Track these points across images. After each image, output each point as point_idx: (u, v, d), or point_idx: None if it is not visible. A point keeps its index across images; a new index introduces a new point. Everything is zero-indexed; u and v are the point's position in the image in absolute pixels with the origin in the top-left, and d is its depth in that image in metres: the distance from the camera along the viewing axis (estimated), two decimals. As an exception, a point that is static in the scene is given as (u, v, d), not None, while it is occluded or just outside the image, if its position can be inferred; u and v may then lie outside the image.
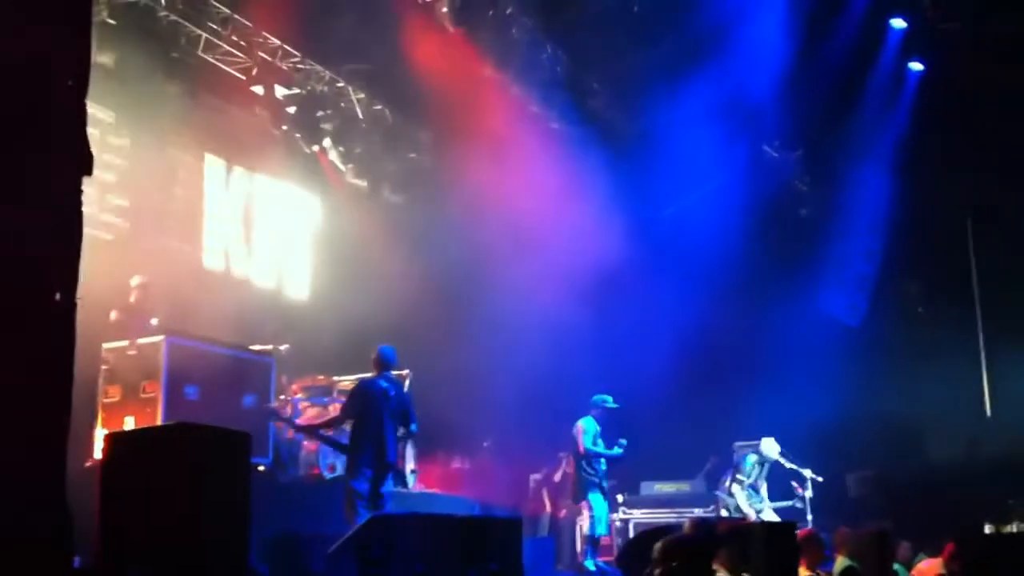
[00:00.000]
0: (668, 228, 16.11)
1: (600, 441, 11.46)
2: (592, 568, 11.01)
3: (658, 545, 5.67)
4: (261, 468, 9.73)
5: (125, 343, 9.49)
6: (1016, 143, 16.05)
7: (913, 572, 10.42)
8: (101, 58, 11.18)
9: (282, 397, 10.99)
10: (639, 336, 14.53)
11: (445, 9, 13.00)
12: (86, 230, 4.54)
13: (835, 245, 18.32)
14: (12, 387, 4.11)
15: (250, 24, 12.84)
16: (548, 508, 14.55)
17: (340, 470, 11.06)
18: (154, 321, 10.19)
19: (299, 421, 11.59)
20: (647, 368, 14.47)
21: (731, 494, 12.93)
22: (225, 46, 12.76)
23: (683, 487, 14.21)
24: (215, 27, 12.57)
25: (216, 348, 9.90)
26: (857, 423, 16.28)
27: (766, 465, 13.12)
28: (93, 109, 4.73)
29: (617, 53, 14.40)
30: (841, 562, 9.12)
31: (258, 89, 13.22)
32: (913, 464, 17.52)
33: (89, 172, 4.57)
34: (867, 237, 18.31)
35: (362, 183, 14.89)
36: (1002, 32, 15.08)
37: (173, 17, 12.04)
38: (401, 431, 9.76)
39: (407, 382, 12.94)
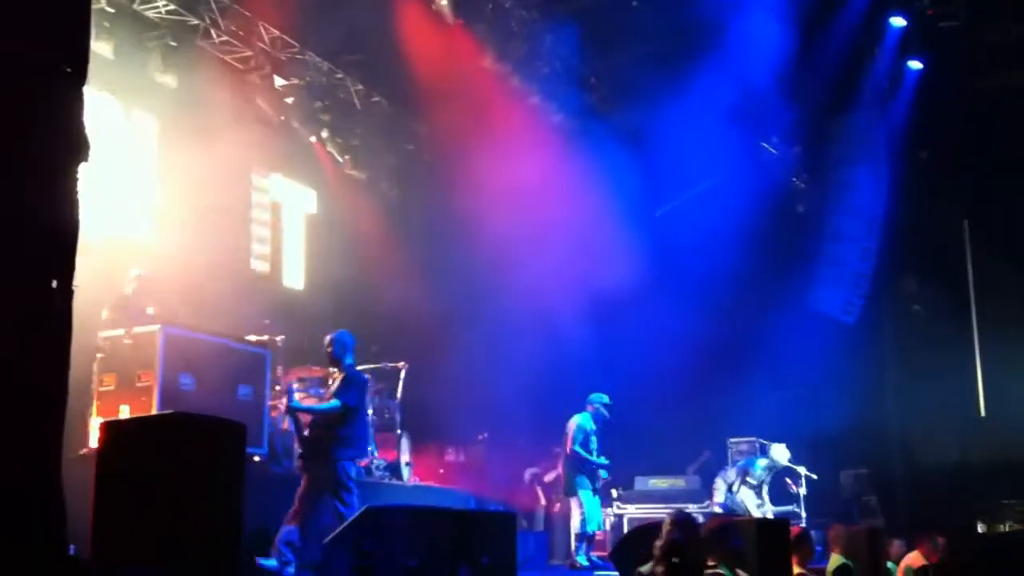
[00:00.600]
0: (665, 223, 16.11)
1: (594, 439, 11.45)
2: (585, 563, 11.01)
3: (659, 543, 5.71)
4: (256, 459, 9.73)
5: (121, 332, 9.47)
6: (1014, 143, 16.07)
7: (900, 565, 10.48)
8: (98, 47, 11.16)
9: (277, 388, 10.97)
10: (635, 331, 14.53)
11: (444, 1, 12.99)
12: (83, 220, 4.53)
13: (832, 243, 18.32)
14: (8, 375, 4.10)
15: (248, 14, 12.83)
16: (542, 503, 14.56)
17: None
18: (150, 311, 10.17)
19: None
20: (642, 364, 14.49)
21: (738, 494, 12.93)
22: (224, 36, 12.73)
23: (677, 483, 14.22)
24: (213, 16, 12.54)
25: (212, 338, 9.88)
26: (852, 421, 16.29)
27: (773, 471, 13.14)
28: (94, 97, 4.71)
29: (616, 47, 14.39)
30: (835, 560, 9.15)
31: (256, 79, 13.19)
32: (907, 463, 17.55)
33: (86, 159, 4.56)
34: (864, 235, 18.30)
35: (360, 174, 14.89)
36: (1001, 31, 15.09)
37: (172, 6, 12.02)
38: None
39: (402, 374, 12.97)
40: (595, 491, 11.40)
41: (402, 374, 13.04)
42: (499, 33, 14.01)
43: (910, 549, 11.01)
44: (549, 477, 14.38)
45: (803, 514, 12.92)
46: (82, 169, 4.56)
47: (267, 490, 9.24)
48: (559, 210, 14.39)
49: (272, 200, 14.30)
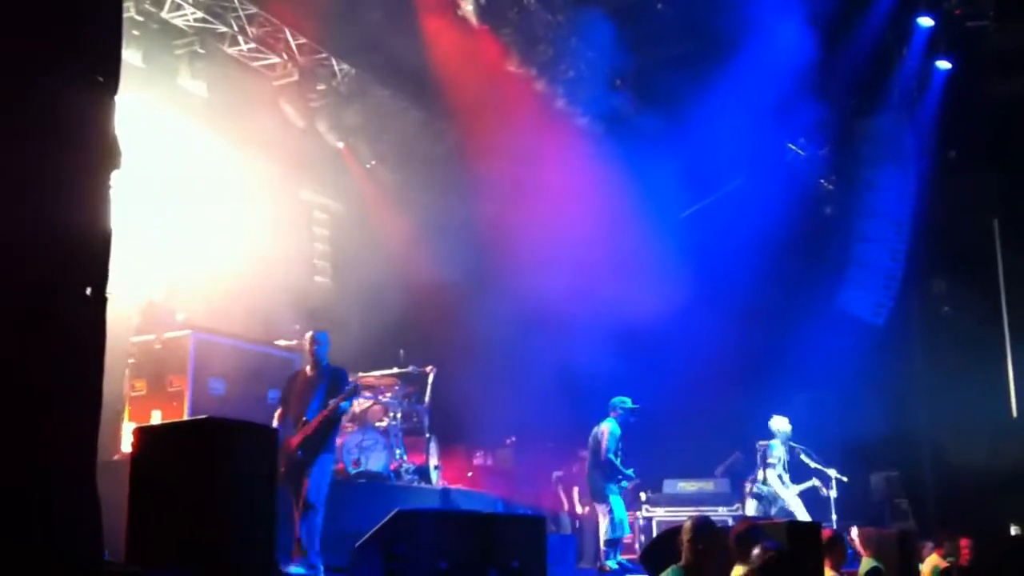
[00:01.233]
0: (693, 225, 16.07)
1: (621, 445, 11.46)
2: (614, 567, 11.00)
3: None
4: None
5: (151, 337, 9.56)
6: (1044, 142, 15.93)
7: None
8: (128, 54, 11.25)
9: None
10: (663, 335, 14.49)
11: (469, 6, 13.01)
12: (117, 227, 4.57)
13: (860, 244, 18.21)
14: (43, 381, 4.14)
15: (275, 21, 12.90)
16: (566, 506, 14.57)
17: (365, 465, 11.12)
18: (180, 317, 10.25)
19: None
20: (670, 367, 14.45)
21: (766, 482, 12.94)
22: (251, 43, 12.81)
23: (706, 486, 14.18)
24: (241, 24, 12.62)
25: (241, 343, 9.96)
26: (881, 423, 16.18)
27: (788, 443, 13.13)
28: (124, 104, 4.75)
29: (641, 49, 14.36)
30: (866, 563, 9.10)
31: (284, 85, 13.27)
32: (937, 465, 17.41)
33: (118, 166, 4.60)
34: (892, 236, 18.18)
35: (387, 179, 14.92)
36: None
37: (200, 14, 12.11)
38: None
39: (430, 378, 13.00)
40: (622, 495, 11.41)
41: (430, 378, 13.07)
42: (524, 37, 14.01)
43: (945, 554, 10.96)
44: (574, 470, 14.47)
45: (833, 516, 12.85)
46: (114, 176, 4.61)
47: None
48: (586, 213, 14.38)
49: (300, 205, 14.36)
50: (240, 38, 12.69)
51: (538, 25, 14.11)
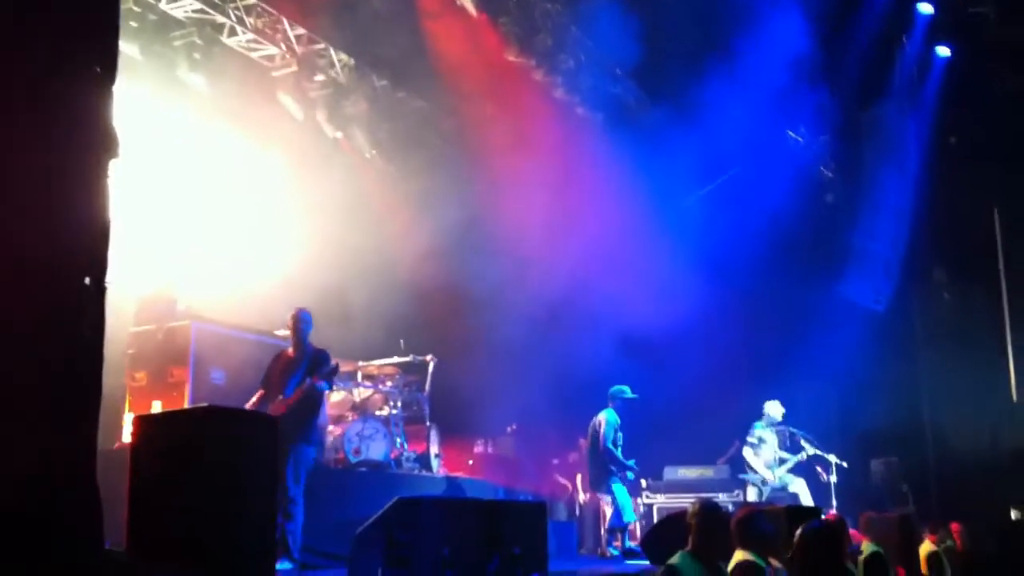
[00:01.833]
0: (692, 213, 16.06)
1: (620, 435, 11.46)
2: (615, 553, 11.04)
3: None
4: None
5: (152, 327, 9.57)
6: (1045, 129, 15.92)
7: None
8: (126, 46, 11.25)
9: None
10: (662, 321, 14.49)
11: (468, -5, 13.00)
12: (117, 217, 4.59)
13: (861, 231, 18.22)
14: (44, 370, 4.16)
15: (274, 12, 12.89)
16: (567, 494, 14.61)
17: (366, 454, 11.15)
18: (180, 307, 10.27)
19: (327, 407, 11.71)
20: (670, 354, 14.47)
21: (744, 456, 13.07)
22: (249, 33, 12.80)
23: (707, 472, 14.20)
24: (239, 14, 12.61)
25: (242, 333, 9.97)
26: (882, 409, 16.21)
27: (773, 429, 13.15)
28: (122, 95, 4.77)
29: (641, 38, 14.34)
30: (867, 547, 9.11)
31: (282, 76, 13.26)
32: (938, 450, 17.44)
33: (116, 155, 4.62)
34: (893, 223, 18.19)
35: (387, 168, 14.91)
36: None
37: (198, 4, 12.09)
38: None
39: (431, 367, 13.03)
40: (626, 483, 11.40)
41: (430, 367, 13.10)
42: (523, 26, 13.99)
43: (943, 538, 10.96)
44: (572, 458, 14.53)
45: (833, 501, 12.88)
46: (112, 166, 4.63)
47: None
48: (585, 201, 14.38)
49: (300, 196, 14.35)
50: (239, 29, 12.67)
51: (537, 14, 14.10)
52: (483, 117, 14.17)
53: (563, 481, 14.82)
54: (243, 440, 4.84)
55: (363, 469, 11.08)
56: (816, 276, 17.10)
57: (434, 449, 12.60)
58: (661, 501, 13.75)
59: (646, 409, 11.84)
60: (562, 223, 14.15)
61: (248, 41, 12.86)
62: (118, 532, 4.81)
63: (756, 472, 12.95)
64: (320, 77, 13.62)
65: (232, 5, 12.49)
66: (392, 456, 11.61)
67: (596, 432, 11.64)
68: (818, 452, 13.19)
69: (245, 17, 12.66)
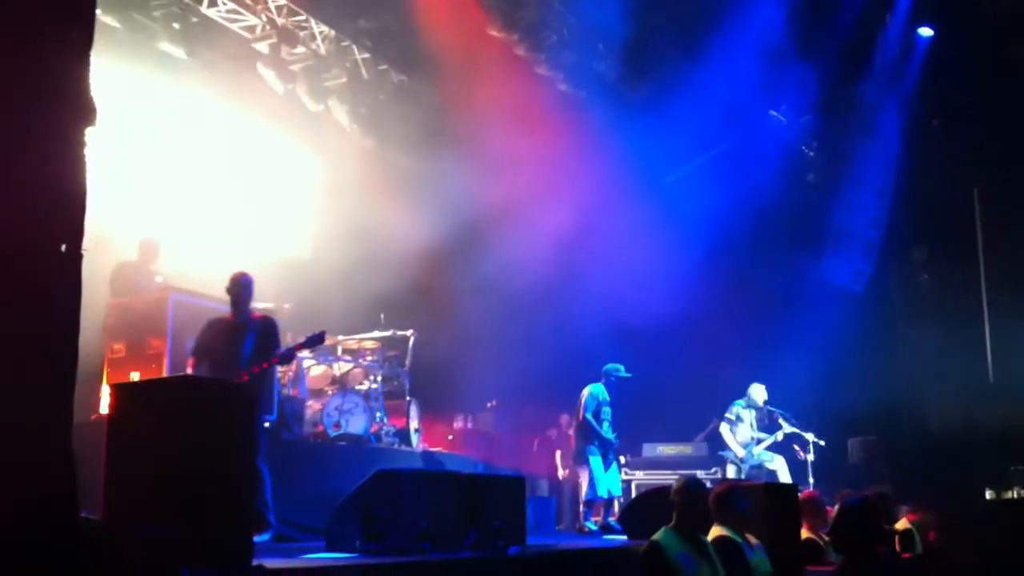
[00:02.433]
0: (674, 191, 16.07)
1: (606, 409, 11.40)
2: (593, 528, 11.05)
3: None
4: (266, 425, 9.75)
5: (129, 299, 9.52)
6: (1025, 111, 15.96)
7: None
8: (103, 16, 11.13)
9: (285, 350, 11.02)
10: (642, 298, 14.52)
11: (452, -32, 12.92)
12: (93, 185, 4.54)
13: (841, 211, 18.28)
14: (19, 338, 4.12)
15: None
16: (547, 469, 14.67)
17: (345, 428, 11.15)
18: (159, 278, 10.21)
19: (307, 381, 11.69)
20: (650, 331, 14.50)
21: (720, 433, 13.15)
22: (230, 4, 12.68)
23: (685, 449, 14.28)
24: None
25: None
26: (860, 388, 16.29)
27: (753, 411, 13.22)
28: (101, 66, 4.71)
29: (624, 14, 14.29)
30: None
31: (263, 47, 13.16)
32: (915, 429, 17.56)
33: (93, 124, 4.57)
34: (873, 203, 18.26)
35: (367, 143, 14.84)
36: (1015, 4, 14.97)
37: (179, -27, 11.97)
38: None
39: (411, 342, 13.01)
40: (606, 458, 11.35)
41: (411, 342, 13.09)
42: (506, 1, 13.93)
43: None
44: (552, 434, 14.58)
45: (810, 479, 12.97)
46: (89, 134, 4.57)
47: (277, 456, 9.27)
48: (568, 178, 14.37)
49: (278, 167, 14.29)
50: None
51: (519, -12, 14.04)
52: (465, 92, 14.10)
53: (542, 457, 14.87)
54: (221, 410, 4.81)
55: (343, 443, 11.08)
56: (796, 255, 17.15)
57: (414, 424, 12.61)
58: (640, 478, 13.83)
59: (626, 386, 11.83)
60: (544, 200, 14.12)
61: (228, 11, 12.74)
62: (95, 502, 4.78)
63: (731, 449, 13.03)
64: (301, 49, 13.51)
65: (213, -26, 12.38)
66: (372, 431, 11.61)
67: (578, 405, 11.60)
68: (796, 430, 13.25)
69: (225, -13, 12.56)
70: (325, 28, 13.78)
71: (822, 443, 13.36)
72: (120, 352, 9.32)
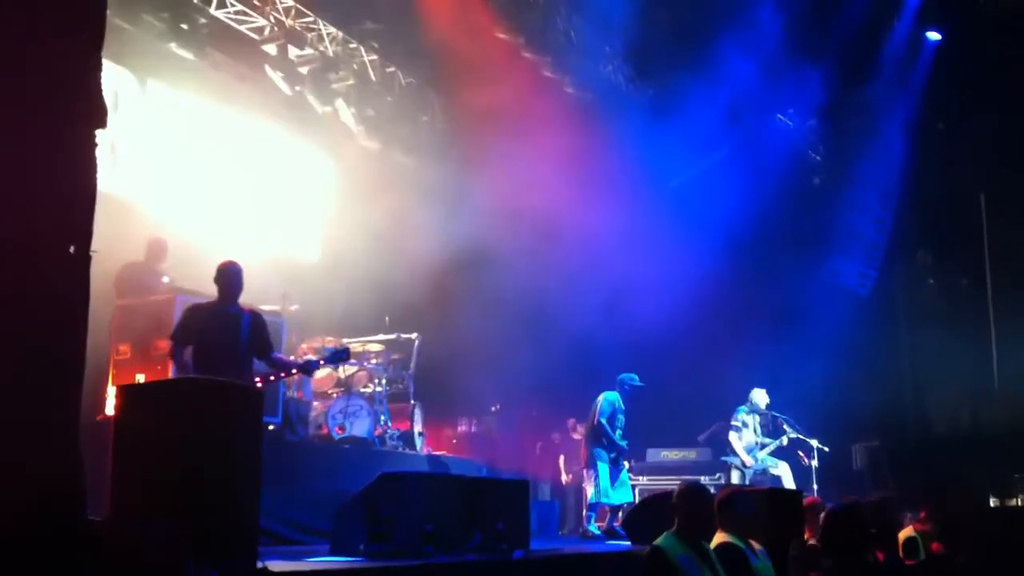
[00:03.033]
0: (680, 195, 16.06)
1: (621, 417, 11.44)
2: (597, 532, 11.06)
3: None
4: (271, 427, 9.78)
5: (136, 300, 9.53)
6: (1033, 116, 15.93)
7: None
8: (113, 17, 11.13)
9: (291, 358, 11.04)
10: (648, 304, 14.51)
11: (459, -29, 12.93)
12: (100, 188, 4.54)
13: (847, 214, 18.25)
14: (26, 338, 4.13)
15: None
16: (551, 472, 14.66)
17: (349, 431, 11.15)
18: (165, 279, 10.22)
19: (311, 384, 11.69)
20: (655, 335, 14.47)
21: (729, 440, 13.15)
22: (238, 5, 12.70)
23: (689, 454, 14.26)
24: (228, -15, 12.52)
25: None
26: (865, 394, 16.27)
27: (756, 416, 13.23)
28: (109, 67, 4.72)
29: (631, 18, 14.29)
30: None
31: (271, 49, 13.16)
32: (920, 435, 17.53)
33: (103, 125, 4.58)
34: (879, 207, 18.23)
35: (374, 145, 14.85)
36: (1020, 3, 14.95)
37: (186, -25, 11.99)
38: None
39: (416, 345, 13.01)
40: (616, 464, 11.37)
41: (415, 345, 13.09)
42: (514, 4, 13.94)
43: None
44: (555, 438, 14.56)
45: (814, 485, 12.95)
46: (99, 135, 4.59)
47: (282, 458, 9.28)
48: (573, 181, 14.35)
49: (285, 169, 14.30)
50: (227, 0, 12.57)
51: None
52: (472, 94, 14.10)
53: (545, 461, 14.85)
54: (227, 412, 4.82)
55: (347, 446, 11.08)
56: (801, 259, 17.12)
57: (418, 427, 12.62)
58: (643, 483, 13.81)
59: (630, 390, 11.83)
60: (550, 203, 14.11)
61: (236, 13, 12.76)
62: (101, 503, 4.79)
63: (737, 455, 13.04)
64: (309, 51, 13.53)
65: (221, -24, 12.40)
66: (376, 434, 11.61)
67: (594, 410, 11.61)
68: (800, 436, 13.24)
69: (234, -12, 12.58)
70: (333, 30, 13.80)
71: (826, 449, 13.34)
72: (125, 353, 9.34)
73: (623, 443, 11.36)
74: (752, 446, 13.07)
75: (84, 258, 4.34)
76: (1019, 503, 14.64)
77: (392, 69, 14.84)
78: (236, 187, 13.35)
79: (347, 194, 14.78)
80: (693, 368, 15.31)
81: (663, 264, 14.58)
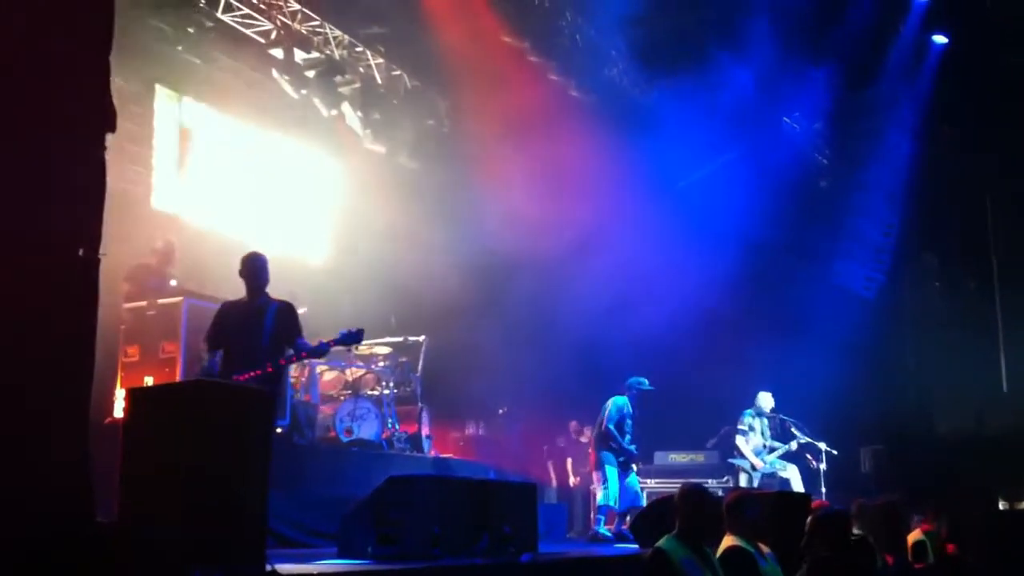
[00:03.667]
0: (686, 199, 16.06)
1: (629, 423, 11.46)
2: (607, 535, 11.07)
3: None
4: (279, 430, 9.77)
5: (144, 303, 9.54)
6: (1039, 119, 15.91)
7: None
8: (119, 21, 11.13)
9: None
10: (655, 307, 14.51)
11: (465, -26, 12.95)
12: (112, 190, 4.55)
13: (853, 217, 18.25)
14: (36, 341, 4.14)
15: (270, -14, 12.84)
16: (556, 477, 14.65)
17: (357, 433, 11.15)
18: (173, 283, 10.24)
19: (319, 387, 11.68)
20: (662, 339, 14.47)
21: (736, 444, 13.17)
22: (244, 8, 12.72)
23: (697, 457, 14.24)
24: (235, -11, 12.55)
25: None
26: (872, 397, 16.25)
27: (763, 419, 13.24)
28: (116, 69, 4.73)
29: (636, 20, 14.30)
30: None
31: (277, 52, 13.18)
32: (928, 439, 17.49)
33: (112, 129, 4.59)
34: (886, 211, 18.22)
35: (380, 148, 14.86)
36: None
37: (194, -22, 12.01)
38: None
39: (423, 348, 13.01)
40: (625, 468, 11.39)
41: (423, 347, 13.08)
42: (520, 8, 13.95)
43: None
44: (561, 442, 14.55)
45: (823, 489, 12.93)
46: (108, 138, 4.60)
47: (290, 460, 9.29)
48: (578, 184, 14.36)
49: (291, 173, 14.31)
50: (234, 3, 12.60)
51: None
52: (477, 98, 14.13)
53: (551, 466, 14.84)
54: (235, 414, 4.82)
55: (354, 449, 11.08)
56: (808, 262, 17.12)
57: (425, 430, 12.61)
58: (651, 486, 13.77)
59: (638, 394, 11.83)
60: (556, 206, 14.12)
61: (243, 16, 12.78)
62: (110, 505, 4.79)
63: (745, 458, 13.04)
64: (315, 54, 13.54)
65: (227, -21, 12.42)
66: (383, 436, 11.61)
67: (602, 415, 11.63)
68: (808, 440, 13.23)
69: (240, -8, 12.61)
70: (339, 33, 13.82)
71: (835, 452, 13.32)
72: (134, 356, 9.35)
73: (632, 448, 11.38)
74: (760, 449, 13.07)
75: (93, 260, 4.35)
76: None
77: (398, 73, 14.85)
78: (243, 190, 13.37)
79: (353, 196, 14.79)
80: (700, 371, 15.29)
81: (670, 267, 14.58)
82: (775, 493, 9.23)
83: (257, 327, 7.72)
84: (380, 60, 14.51)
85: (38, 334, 4.12)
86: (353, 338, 8.04)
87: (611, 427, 11.31)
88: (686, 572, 5.72)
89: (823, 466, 13.15)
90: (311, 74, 13.57)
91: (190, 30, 12.08)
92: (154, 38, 11.82)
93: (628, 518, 11.29)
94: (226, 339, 7.82)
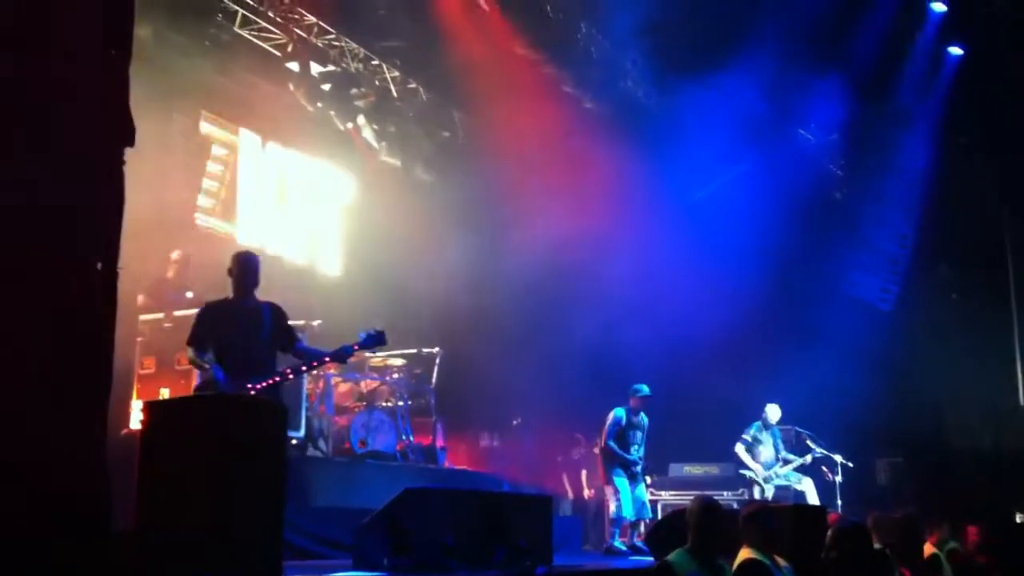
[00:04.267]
0: (701, 210, 16.05)
1: (634, 432, 11.47)
2: (622, 548, 11.06)
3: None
4: (293, 442, 9.81)
5: (161, 315, 9.59)
6: (1056, 131, 15.85)
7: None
8: (138, 31, 11.20)
9: (314, 373, 11.07)
10: (670, 317, 14.50)
11: (480, -13, 13.00)
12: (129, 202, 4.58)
13: (868, 229, 18.20)
14: (54, 355, 4.17)
15: (286, 1, 12.88)
16: (571, 489, 14.63)
17: (371, 445, 11.17)
18: (189, 294, 10.28)
19: (334, 398, 11.71)
20: (677, 350, 14.46)
21: (736, 452, 13.17)
22: (261, 22, 12.79)
23: (712, 470, 14.21)
24: (252, 3, 12.60)
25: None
26: (888, 409, 16.17)
27: (772, 431, 13.24)
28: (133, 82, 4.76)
29: (652, 32, 14.32)
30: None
31: (293, 66, 13.25)
32: (944, 451, 17.41)
33: (131, 143, 4.61)
34: (901, 221, 18.18)
35: (395, 161, 14.91)
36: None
37: (210, -8, 12.08)
38: None
39: (437, 359, 13.02)
40: (632, 479, 11.38)
41: (437, 359, 13.10)
42: (534, 20, 13.99)
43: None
44: (576, 455, 14.55)
45: (838, 501, 12.89)
46: (127, 152, 4.62)
47: (304, 472, 9.32)
48: (594, 195, 14.37)
49: (307, 185, 14.36)
50: (251, 17, 12.67)
51: (548, 7, 14.08)
52: (492, 110, 14.16)
53: (565, 478, 14.83)
54: (252, 427, 4.84)
55: (369, 460, 11.09)
56: (823, 273, 17.08)
57: (439, 442, 12.62)
58: (666, 498, 13.76)
59: (653, 405, 11.83)
60: (571, 217, 14.13)
61: (260, 30, 12.85)
62: (126, 516, 4.82)
63: (749, 469, 13.03)
64: (331, 67, 13.60)
65: (244, -7, 12.49)
66: (398, 448, 11.62)
67: (603, 430, 11.67)
68: (824, 452, 13.20)
69: (258, 6, 12.66)
70: (355, 46, 13.87)
71: (850, 464, 13.28)
72: (150, 368, 9.40)
73: (634, 457, 11.38)
74: (771, 461, 13.05)
75: (111, 275, 4.37)
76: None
77: (413, 85, 14.90)
78: (258, 201, 13.42)
79: (368, 209, 14.83)
80: (715, 383, 15.26)
81: (685, 279, 14.57)
82: (792, 506, 9.22)
83: (255, 329, 7.48)
84: (396, 73, 14.56)
85: (56, 347, 4.14)
86: (376, 340, 7.89)
87: (611, 444, 11.35)
88: (693, 587, 5.72)
89: (839, 478, 13.12)
90: (327, 87, 13.63)
91: (206, 43, 12.15)
92: (172, 52, 11.87)
93: (641, 530, 11.29)
94: (216, 337, 7.51)
